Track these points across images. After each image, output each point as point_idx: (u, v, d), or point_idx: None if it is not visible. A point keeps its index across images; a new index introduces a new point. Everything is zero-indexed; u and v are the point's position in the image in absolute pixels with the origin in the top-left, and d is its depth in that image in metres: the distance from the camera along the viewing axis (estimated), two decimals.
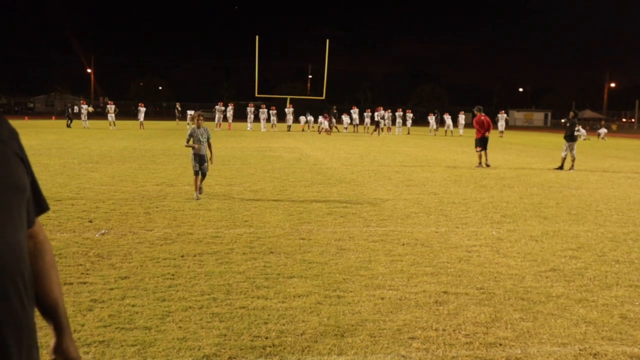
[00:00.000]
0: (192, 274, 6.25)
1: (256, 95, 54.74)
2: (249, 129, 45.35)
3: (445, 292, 5.87)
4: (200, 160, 11.25)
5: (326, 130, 42.07)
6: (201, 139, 11.22)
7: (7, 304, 1.62)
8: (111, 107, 44.48)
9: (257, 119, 47.17)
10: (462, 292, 5.88)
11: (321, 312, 5.17)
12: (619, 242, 8.43)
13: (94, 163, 17.36)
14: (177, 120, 54.34)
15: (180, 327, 4.77)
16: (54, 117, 64.44)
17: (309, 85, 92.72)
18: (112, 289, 5.71)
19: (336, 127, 46.38)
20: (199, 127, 11.28)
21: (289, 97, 56.88)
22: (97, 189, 12.14)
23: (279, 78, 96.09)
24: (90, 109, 46.84)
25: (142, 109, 46.00)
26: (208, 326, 4.79)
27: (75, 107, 59.36)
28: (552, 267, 6.91)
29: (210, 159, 11.40)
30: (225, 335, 4.62)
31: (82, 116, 44.69)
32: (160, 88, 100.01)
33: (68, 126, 42.84)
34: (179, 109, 54.66)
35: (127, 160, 18.27)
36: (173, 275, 6.20)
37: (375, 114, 44.22)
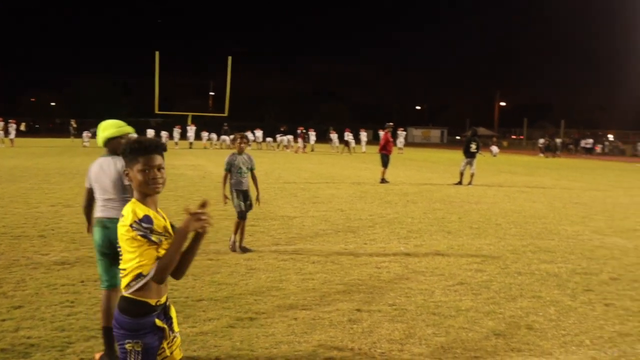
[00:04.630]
0: (93, 300, 5.89)
1: (156, 112, 53.52)
2: None
3: (358, 310, 5.83)
4: (244, 197, 8.61)
5: (299, 149, 43.03)
6: (243, 170, 8.61)
7: None
8: None
9: (157, 136, 46.15)
10: (375, 309, 5.87)
11: (233, 336, 5.00)
12: (519, 254, 8.74)
13: None
14: (71, 137, 52.13)
15: (82, 358, 4.45)
16: None
17: (211, 102, 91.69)
18: (4, 320, 5.29)
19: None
20: (240, 153, 8.69)
21: (190, 114, 56.00)
22: None
23: (180, 94, 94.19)
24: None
25: (14, 126, 43.80)
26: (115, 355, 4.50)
27: None
28: (459, 281, 7.05)
29: (257, 197, 8.63)
30: None
31: None
32: (53, 104, 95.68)
33: None
34: (74, 125, 52.57)
35: (18, 180, 17.26)
36: (72, 302, 5.83)
37: (345, 134, 45.53)
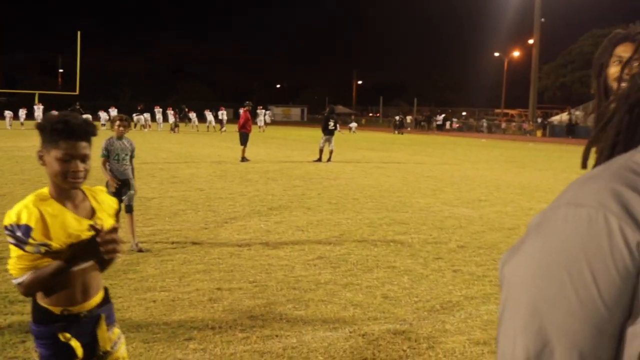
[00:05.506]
0: None
1: None
2: None
3: (219, 289, 5.79)
4: (123, 187, 7.54)
5: (172, 128, 41.91)
6: (121, 157, 7.51)
7: None
8: None
9: (1, 115, 43.01)
10: (236, 287, 5.86)
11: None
12: (375, 227, 9.07)
13: None
14: None
15: None
16: None
17: (60, 79, 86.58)
18: None
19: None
20: (119, 137, 7.54)
21: (37, 92, 52.65)
22: None
23: (25, 71, 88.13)
24: None
25: None
26: None
27: None
28: (319, 255, 7.19)
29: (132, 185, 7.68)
30: None
31: None
32: None
33: None
34: None
35: None
36: None
37: (220, 112, 45.02)
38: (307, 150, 25.40)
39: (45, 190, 2.36)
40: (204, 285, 5.89)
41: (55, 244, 2.26)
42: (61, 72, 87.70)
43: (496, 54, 75.82)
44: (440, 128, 63.67)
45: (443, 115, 68.11)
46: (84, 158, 2.33)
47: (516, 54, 73.45)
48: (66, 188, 2.33)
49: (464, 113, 78.17)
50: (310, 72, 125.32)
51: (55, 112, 2.50)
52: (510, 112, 77.31)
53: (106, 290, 2.60)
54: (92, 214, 2.43)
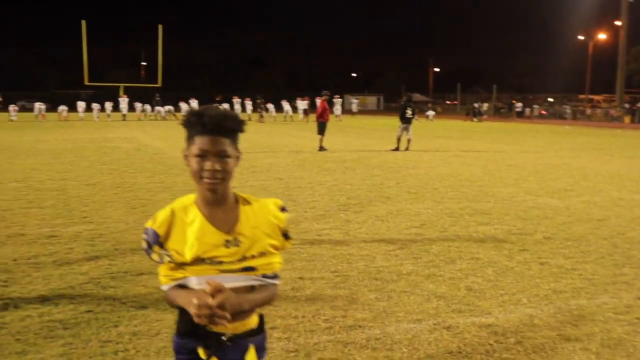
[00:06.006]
0: (27, 279, 5.68)
1: (86, 83, 51.93)
2: (81, 118, 42.96)
3: (300, 278, 5.83)
4: None
5: (257, 119, 43.30)
6: None
7: None
8: None
9: (89, 108, 44.89)
10: (318, 277, 5.88)
11: (175, 309, 4.90)
12: (456, 217, 8.90)
13: None
14: None
15: (18, 339, 4.29)
16: None
17: (142, 72, 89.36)
18: None
19: (174, 115, 45.22)
20: None
21: (122, 85, 54.53)
22: None
23: (111, 65, 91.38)
24: None
25: None
26: (50, 335, 4.36)
27: None
28: (399, 246, 7.13)
29: None
30: (71, 343, 4.22)
31: None
32: None
33: None
34: (0, 99, 50.44)
35: None
36: (6, 281, 5.61)
37: (303, 102, 46.26)
38: (384, 139, 25.24)
39: (186, 201, 2.14)
40: (285, 275, 5.93)
41: (178, 256, 2.05)
42: (144, 65, 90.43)
43: (580, 37, 72.87)
44: (520, 115, 61.85)
45: (520, 103, 65.97)
46: (221, 155, 2.02)
47: (602, 36, 70.28)
48: (205, 191, 2.06)
49: (549, 99, 75.60)
50: (385, 60, 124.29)
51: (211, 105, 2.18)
52: (595, 97, 74.28)
53: (261, 318, 2.25)
54: (233, 227, 2.10)
